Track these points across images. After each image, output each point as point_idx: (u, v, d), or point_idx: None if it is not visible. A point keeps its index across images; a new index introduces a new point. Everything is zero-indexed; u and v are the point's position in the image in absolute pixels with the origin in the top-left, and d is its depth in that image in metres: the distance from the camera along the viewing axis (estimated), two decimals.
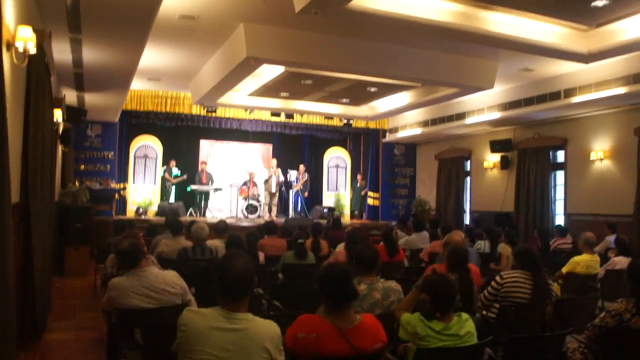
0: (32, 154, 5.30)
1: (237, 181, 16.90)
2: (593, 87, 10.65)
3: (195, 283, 5.15)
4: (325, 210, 16.94)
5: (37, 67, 5.41)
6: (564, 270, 6.99)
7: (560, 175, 13.27)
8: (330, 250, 8.34)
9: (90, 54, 8.02)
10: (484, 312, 4.59)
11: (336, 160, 19.14)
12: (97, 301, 8.00)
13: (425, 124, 15.70)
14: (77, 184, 12.61)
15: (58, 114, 8.36)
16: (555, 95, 11.49)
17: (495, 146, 14.48)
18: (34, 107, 5.31)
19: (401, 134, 16.97)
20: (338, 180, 19.04)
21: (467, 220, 16.02)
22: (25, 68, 5.23)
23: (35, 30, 4.65)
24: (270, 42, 8.59)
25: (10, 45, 4.40)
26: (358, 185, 18.16)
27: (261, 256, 6.63)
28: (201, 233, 6.56)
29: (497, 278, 4.63)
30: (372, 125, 17.17)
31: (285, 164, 17.21)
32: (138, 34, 7.07)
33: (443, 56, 9.88)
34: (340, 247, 7.83)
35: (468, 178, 16.19)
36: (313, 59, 9.04)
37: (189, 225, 8.01)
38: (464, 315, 3.48)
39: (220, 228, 7.33)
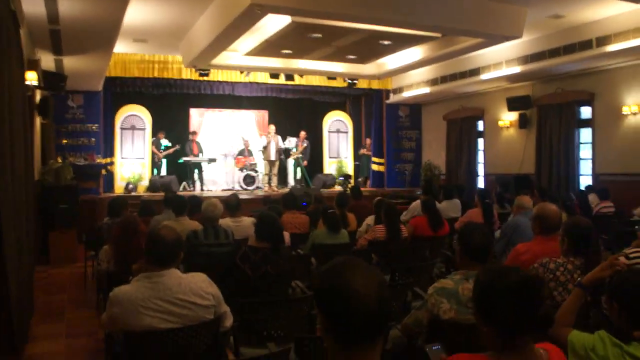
0: None
1: (231, 151, 15.76)
2: (631, 33, 9.53)
3: (216, 277, 4.03)
4: (341, 178, 15.90)
5: None
6: None
7: (586, 133, 12.23)
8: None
9: (68, 4, 6.75)
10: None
11: (337, 124, 17.91)
12: (89, 295, 6.92)
13: (434, 82, 14.54)
14: (59, 160, 11.42)
15: (32, 77, 7.13)
16: (585, 45, 10.36)
17: (512, 103, 13.36)
18: None
19: (407, 94, 15.80)
20: (340, 146, 17.87)
21: (480, 184, 15.02)
22: None
23: None
24: None
25: None
26: (366, 150, 17.00)
27: (286, 237, 5.49)
28: (214, 211, 5.39)
29: (621, 258, 3.51)
30: (374, 85, 16.01)
31: (282, 131, 15.96)
32: None
33: (468, 1, 8.73)
34: (370, 220, 6.78)
35: (481, 139, 15.10)
36: (326, 5, 7.81)
37: (189, 201, 6.89)
38: None
39: (233, 204, 6.19)
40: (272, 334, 3.51)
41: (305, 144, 16.10)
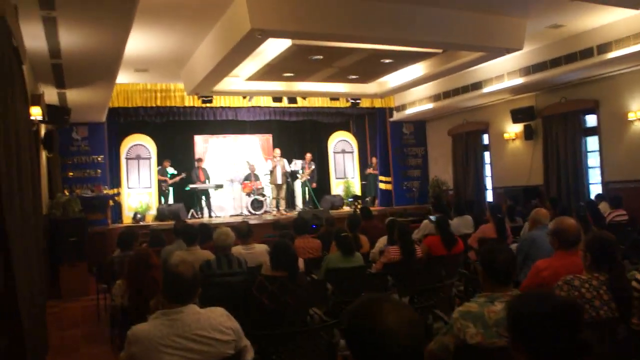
0: (4, 158, 4.08)
1: (237, 176, 15.72)
2: (632, 39, 9.50)
3: (231, 307, 3.94)
4: (351, 199, 15.78)
5: (1, 46, 4.18)
6: None
7: (592, 141, 12.14)
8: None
9: (69, 38, 6.75)
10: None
11: (342, 145, 17.88)
12: (102, 330, 6.84)
13: (436, 98, 14.51)
14: (66, 193, 11.40)
15: (37, 112, 7.12)
16: (587, 53, 10.33)
17: (517, 115, 13.30)
18: (1, 98, 4.08)
19: (410, 111, 15.77)
20: (346, 166, 17.81)
21: (489, 198, 14.92)
22: None
23: None
24: (277, 9, 7.36)
25: None
26: (372, 169, 16.93)
27: (300, 263, 5.41)
28: (227, 240, 5.28)
29: None
30: (377, 104, 16.05)
31: (287, 154, 15.94)
32: (124, 4, 5.83)
33: (467, 16, 8.69)
34: (383, 240, 6.70)
35: (487, 152, 15.04)
36: (327, 27, 7.80)
37: (199, 230, 6.82)
38: None
39: (244, 231, 6.12)
40: None
41: (312, 167, 16.03)
